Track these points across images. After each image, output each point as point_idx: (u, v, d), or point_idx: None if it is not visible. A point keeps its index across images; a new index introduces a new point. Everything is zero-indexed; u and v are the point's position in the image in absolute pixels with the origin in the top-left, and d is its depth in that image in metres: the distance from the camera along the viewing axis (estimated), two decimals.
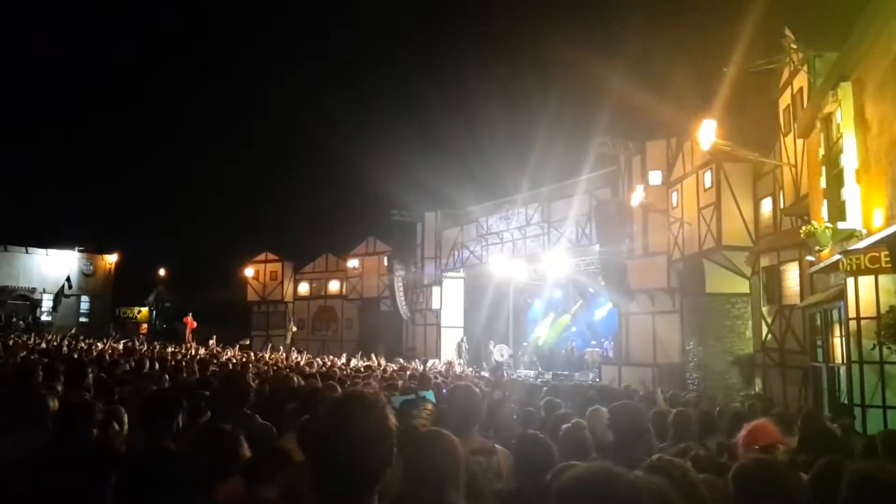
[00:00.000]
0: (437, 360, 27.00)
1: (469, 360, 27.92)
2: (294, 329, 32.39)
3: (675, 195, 19.76)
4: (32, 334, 21.34)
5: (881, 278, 8.93)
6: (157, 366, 9.83)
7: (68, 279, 33.58)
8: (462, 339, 29.03)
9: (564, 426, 4.59)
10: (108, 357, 12.12)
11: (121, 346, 16.84)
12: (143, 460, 2.40)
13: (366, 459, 1.63)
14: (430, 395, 7.34)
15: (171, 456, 2.52)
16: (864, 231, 9.51)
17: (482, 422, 4.05)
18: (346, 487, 1.62)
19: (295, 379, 6.85)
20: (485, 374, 19.71)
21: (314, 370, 10.96)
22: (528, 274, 28.24)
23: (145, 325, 36.56)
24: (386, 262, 33.54)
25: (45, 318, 33.41)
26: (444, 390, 7.69)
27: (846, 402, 9.43)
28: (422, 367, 18.93)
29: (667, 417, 5.58)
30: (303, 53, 64.53)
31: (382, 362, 17.33)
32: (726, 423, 5.90)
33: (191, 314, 29.86)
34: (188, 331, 28.55)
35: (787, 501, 2.57)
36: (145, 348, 16.96)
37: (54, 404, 3.77)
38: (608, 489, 1.21)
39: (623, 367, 20.98)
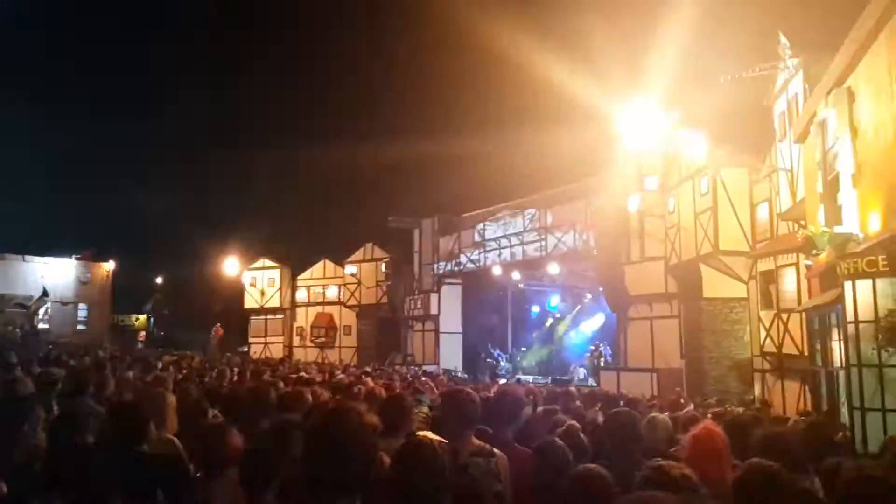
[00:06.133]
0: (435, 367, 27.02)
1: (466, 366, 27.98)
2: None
3: (671, 200, 19.82)
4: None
5: (879, 282, 8.96)
6: None
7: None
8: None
9: (558, 430, 4.62)
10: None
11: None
12: None
13: (343, 467, 1.92)
14: (426, 399, 7.40)
15: None
16: (861, 235, 9.55)
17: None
18: (327, 489, 1.91)
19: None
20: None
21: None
22: (526, 280, 28.29)
23: (143, 333, 36.46)
24: (384, 269, 33.54)
25: (42, 325, 33.32)
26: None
27: (845, 405, 9.37)
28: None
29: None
30: (301, 55, 64.66)
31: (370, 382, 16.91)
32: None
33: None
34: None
35: None
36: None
37: None
38: None
39: (622, 372, 21.00)
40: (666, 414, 6.00)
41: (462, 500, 2.86)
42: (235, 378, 10.11)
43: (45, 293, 32.93)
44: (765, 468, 2.71)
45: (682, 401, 11.88)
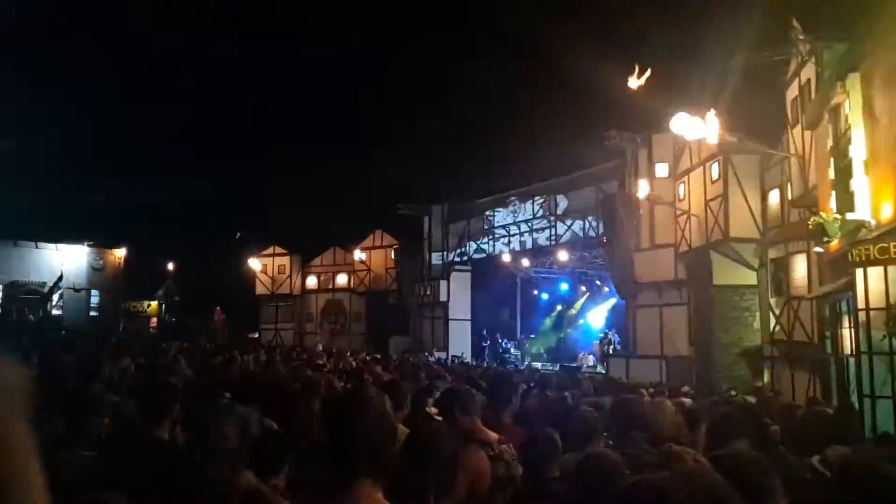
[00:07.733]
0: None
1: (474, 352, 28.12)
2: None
3: (682, 187, 19.72)
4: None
5: (891, 269, 8.94)
6: None
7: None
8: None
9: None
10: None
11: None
12: None
13: (359, 446, 1.89)
14: (443, 384, 7.47)
15: None
16: (873, 222, 9.50)
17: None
18: (341, 468, 1.89)
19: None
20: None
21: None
22: (536, 267, 28.31)
23: (155, 320, 36.75)
24: (393, 256, 33.62)
25: (55, 312, 33.60)
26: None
27: (855, 392, 9.41)
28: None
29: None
30: (305, 52, 64.48)
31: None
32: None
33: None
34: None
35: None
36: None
37: None
38: None
39: (631, 359, 21.02)
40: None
41: (502, 485, 3.18)
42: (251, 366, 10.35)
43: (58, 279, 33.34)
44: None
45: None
